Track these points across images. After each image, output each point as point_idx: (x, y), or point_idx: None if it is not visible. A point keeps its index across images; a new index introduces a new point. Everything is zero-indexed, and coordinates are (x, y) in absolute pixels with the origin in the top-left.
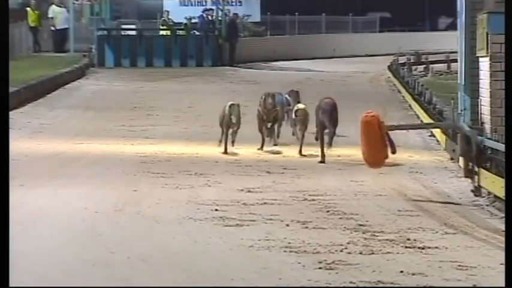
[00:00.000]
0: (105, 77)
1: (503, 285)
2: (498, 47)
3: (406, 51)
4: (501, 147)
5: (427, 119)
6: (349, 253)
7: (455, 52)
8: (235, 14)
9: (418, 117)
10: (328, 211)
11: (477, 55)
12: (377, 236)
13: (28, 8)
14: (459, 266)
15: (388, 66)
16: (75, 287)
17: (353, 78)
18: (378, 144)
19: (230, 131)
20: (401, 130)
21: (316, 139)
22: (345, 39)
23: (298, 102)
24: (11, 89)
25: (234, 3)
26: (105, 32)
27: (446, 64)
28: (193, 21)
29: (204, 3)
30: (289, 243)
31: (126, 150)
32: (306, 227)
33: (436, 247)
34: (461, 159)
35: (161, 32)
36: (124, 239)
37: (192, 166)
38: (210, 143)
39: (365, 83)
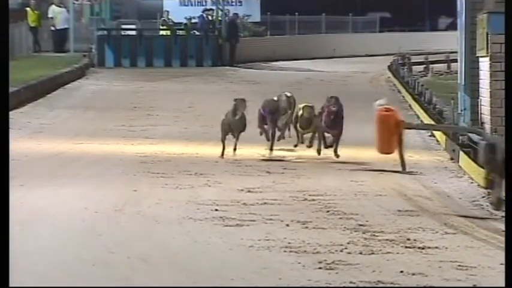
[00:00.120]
0: (105, 77)
1: (503, 285)
2: (498, 47)
3: (406, 51)
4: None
5: (427, 119)
6: (349, 253)
7: (455, 52)
8: (235, 14)
9: (418, 117)
10: (328, 211)
11: (477, 55)
12: (377, 236)
13: (28, 8)
14: (459, 266)
15: (388, 66)
16: (75, 287)
17: (353, 78)
18: (390, 140)
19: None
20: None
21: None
22: (345, 39)
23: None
24: (11, 89)
25: (234, 3)
26: (105, 32)
27: (446, 64)
28: (193, 21)
29: (204, 3)
30: (289, 243)
31: (126, 150)
32: (306, 227)
33: (436, 247)
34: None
35: (161, 32)
36: (124, 239)
37: (192, 166)
38: (210, 143)
39: (365, 83)
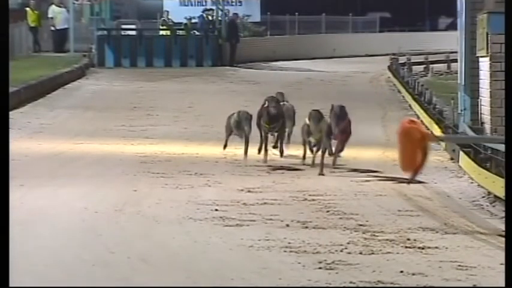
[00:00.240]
0: (105, 77)
1: (503, 285)
2: (498, 47)
3: (406, 51)
4: (501, 147)
5: (427, 119)
6: (349, 253)
7: (455, 52)
8: (235, 14)
9: (418, 117)
10: (328, 211)
11: (477, 55)
12: (377, 236)
13: (28, 8)
14: (459, 266)
15: (388, 66)
16: (75, 287)
17: (353, 78)
18: (415, 157)
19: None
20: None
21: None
22: (345, 39)
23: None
24: (11, 89)
25: (234, 3)
26: (105, 32)
27: (446, 64)
28: (193, 21)
29: (204, 3)
30: (289, 243)
31: (126, 150)
32: (306, 227)
33: (436, 247)
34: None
35: (161, 32)
36: (124, 239)
37: (192, 166)
38: (210, 143)
39: (365, 83)
